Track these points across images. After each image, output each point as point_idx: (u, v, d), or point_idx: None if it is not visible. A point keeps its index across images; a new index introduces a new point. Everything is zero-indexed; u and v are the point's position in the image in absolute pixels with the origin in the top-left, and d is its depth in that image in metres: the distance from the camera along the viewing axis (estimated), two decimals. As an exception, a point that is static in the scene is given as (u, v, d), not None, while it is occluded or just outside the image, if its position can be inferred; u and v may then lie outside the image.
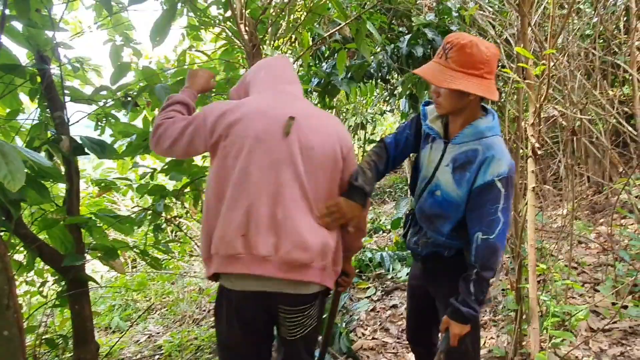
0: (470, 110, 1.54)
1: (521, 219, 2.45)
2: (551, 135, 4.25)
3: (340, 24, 2.60)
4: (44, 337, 2.17)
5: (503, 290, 3.27)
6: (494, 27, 3.20)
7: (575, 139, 3.84)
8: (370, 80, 3.80)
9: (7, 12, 1.74)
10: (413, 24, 3.18)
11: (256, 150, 1.41)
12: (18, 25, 2.05)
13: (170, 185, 2.93)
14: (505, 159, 1.49)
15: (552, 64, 2.18)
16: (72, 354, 2.17)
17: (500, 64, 3.27)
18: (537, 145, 2.26)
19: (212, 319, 3.97)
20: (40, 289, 2.19)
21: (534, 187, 2.29)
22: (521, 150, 2.58)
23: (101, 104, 2.34)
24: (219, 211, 1.42)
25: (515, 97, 2.81)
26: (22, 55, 1.95)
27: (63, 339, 2.20)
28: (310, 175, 1.45)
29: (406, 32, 3.49)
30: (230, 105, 1.49)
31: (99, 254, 2.22)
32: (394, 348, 3.00)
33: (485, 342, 2.84)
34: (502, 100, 3.30)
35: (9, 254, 1.76)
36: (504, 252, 1.50)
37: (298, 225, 1.41)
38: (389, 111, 6.51)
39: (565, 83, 2.90)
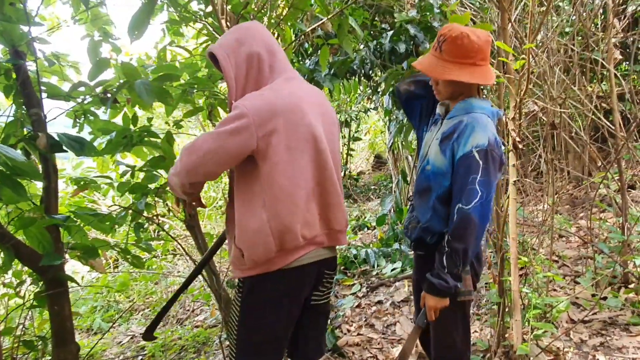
0: (466, 91, 1.66)
1: (503, 213, 2.47)
2: (532, 130, 4.31)
3: (322, 19, 2.59)
4: (21, 339, 2.11)
5: (486, 284, 3.30)
6: (475, 23, 3.22)
7: (555, 133, 3.89)
8: (354, 77, 3.80)
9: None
10: (395, 20, 3.18)
11: (316, 141, 1.50)
12: (-9, 20, 1.99)
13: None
14: (486, 131, 1.54)
15: (531, 59, 2.20)
16: (51, 355, 2.12)
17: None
18: (517, 139, 2.28)
19: (199, 319, 3.93)
20: (18, 290, 2.14)
21: (515, 181, 2.32)
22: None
23: (79, 100, 2.29)
24: (296, 204, 1.46)
25: (496, 92, 2.83)
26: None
27: (42, 340, 2.15)
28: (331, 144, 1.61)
29: (389, 28, 3.50)
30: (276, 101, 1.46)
31: (78, 254, 2.18)
32: (379, 344, 3.00)
33: (469, 336, 2.86)
34: (484, 95, 3.33)
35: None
36: (479, 230, 1.50)
37: (342, 198, 1.62)
38: (372, 109, 6.52)
39: (545, 78, 2.94)
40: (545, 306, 2.69)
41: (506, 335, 2.52)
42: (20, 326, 2.11)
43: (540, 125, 3.59)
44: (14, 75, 2.12)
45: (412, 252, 1.95)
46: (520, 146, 2.34)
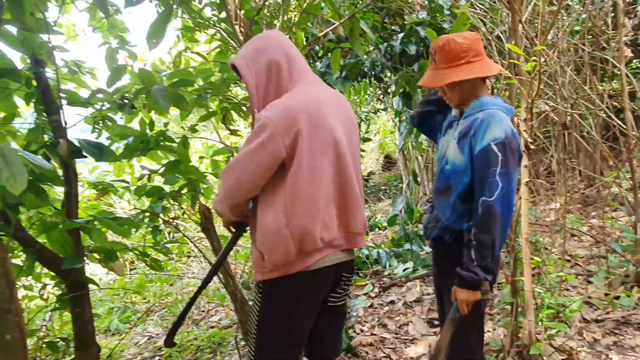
0: (475, 90, 1.70)
1: (515, 213, 2.49)
2: (543, 131, 4.30)
3: (334, 24, 2.62)
4: (44, 340, 2.17)
5: (499, 284, 3.31)
6: (485, 24, 3.24)
7: (566, 133, 3.89)
8: (364, 79, 3.83)
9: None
10: (406, 23, 3.20)
11: (337, 144, 1.52)
12: (12, 29, 2.05)
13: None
14: (502, 125, 1.58)
15: (542, 60, 2.21)
16: (73, 357, 2.18)
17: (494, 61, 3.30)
18: (529, 140, 2.30)
19: (215, 320, 3.98)
20: (41, 292, 2.19)
21: (527, 182, 2.33)
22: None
23: (98, 106, 2.34)
24: (316, 207, 1.47)
25: (507, 93, 2.84)
26: (15, 59, 1.96)
27: (64, 342, 2.20)
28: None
29: (399, 30, 3.52)
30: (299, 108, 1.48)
31: (99, 257, 2.23)
32: (392, 343, 3.03)
33: (482, 336, 2.88)
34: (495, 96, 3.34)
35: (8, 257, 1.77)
36: (503, 221, 1.53)
37: (361, 201, 1.63)
38: (382, 109, 6.54)
39: (556, 78, 2.94)
40: (558, 306, 2.70)
41: (519, 335, 2.53)
42: (43, 328, 2.16)
43: (552, 125, 3.59)
44: (34, 83, 2.17)
45: (430, 250, 2.02)
46: (532, 147, 2.35)
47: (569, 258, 3.61)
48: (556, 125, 3.37)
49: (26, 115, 2.43)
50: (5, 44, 2.04)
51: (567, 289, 3.19)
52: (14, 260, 2.20)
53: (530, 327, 2.35)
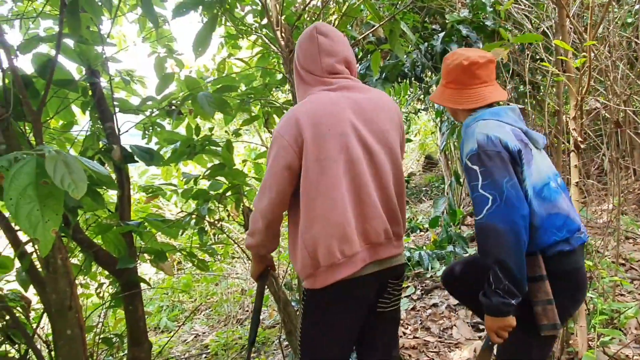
0: (456, 115, 1.70)
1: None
2: (594, 129, 4.12)
3: (373, 26, 2.62)
4: (100, 336, 2.29)
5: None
6: (530, 20, 3.14)
7: (619, 131, 3.71)
8: (404, 80, 3.80)
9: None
10: (447, 21, 3.16)
11: (348, 151, 1.50)
12: (70, 42, 2.17)
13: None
14: (473, 136, 1.48)
15: (592, 55, 2.13)
16: (126, 352, 2.28)
17: (539, 57, 3.21)
18: (579, 139, 2.22)
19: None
20: (98, 291, 2.31)
21: (577, 182, 2.25)
22: (563, 145, 2.53)
23: (147, 113, 2.45)
24: (327, 219, 1.45)
25: (555, 90, 2.75)
26: (71, 70, 2.08)
27: (119, 338, 2.32)
28: None
29: (440, 29, 3.48)
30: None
31: (149, 257, 2.33)
32: (435, 347, 2.99)
33: (530, 341, 2.79)
34: (541, 94, 3.23)
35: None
36: (506, 236, 1.35)
37: (378, 208, 1.54)
38: (423, 109, 6.46)
39: (607, 74, 2.81)
40: (612, 312, 2.58)
41: (570, 342, 2.44)
42: (100, 324, 2.27)
43: (603, 122, 3.44)
44: (90, 93, 2.30)
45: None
46: (582, 146, 2.27)
47: (623, 262, 3.44)
48: (608, 123, 3.23)
49: (82, 123, 2.57)
50: (64, 56, 2.17)
51: (622, 294, 3.04)
52: (72, 260, 2.33)
53: (582, 334, 2.26)
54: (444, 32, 3.26)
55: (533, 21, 3.13)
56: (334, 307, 1.54)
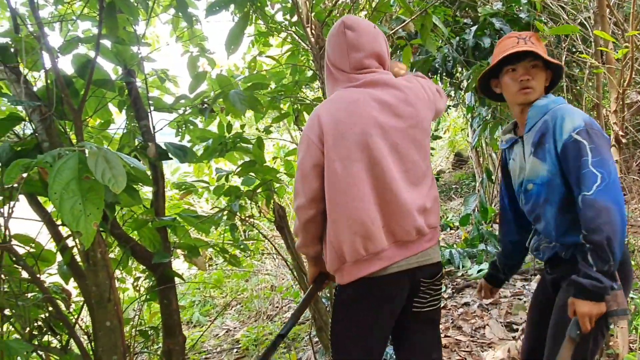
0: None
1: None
2: (635, 122, 3.96)
3: (404, 21, 2.60)
4: (137, 328, 2.35)
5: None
6: (566, 11, 3.05)
7: (662, 125, 3.56)
8: (435, 75, 3.75)
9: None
10: (479, 15, 3.09)
11: (369, 149, 1.50)
12: (107, 43, 2.24)
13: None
14: (577, 113, 1.45)
15: (635, 46, 2.05)
16: (161, 344, 2.34)
17: (576, 50, 3.11)
18: (620, 133, 2.14)
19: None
20: (135, 284, 2.38)
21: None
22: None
23: (181, 111, 2.50)
24: (349, 216, 1.46)
25: (593, 83, 2.66)
26: (108, 70, 2.15)
27: (154, 331, 2.37)
28: None
29: (472, 23, 3.41)
30: None
31: (183, 252, 2.37)
32: (467, 346, 2.94)
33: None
34: (579, 87, 3.13)
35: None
36: (614, 215, 1.30)
37: (405, 205, 1.53)
38: (453, 106, 6.35)
39: (650, 66, 2.70)
40: (655, 313, 2.49)
41: (610, 344, 2.36)
42: (136, 317, 2.34)
43: (645, 116, 3.30)
44: (126, 92, 2.36)
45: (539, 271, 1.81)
46: (623, 140, 2.19)
47: (666, 261, 3.30)
48: (650, 117, 3.10)
49: (118, 122, 2.64)
50: (102, 57, 2.24)
51: (665, 295, 2.91)
52: (110, 255, 2.40)
53: (623, 336, 2.18)
54: (476, 26, 3.19)
55: (569, 12, 3.03)
56: (360, 304, 1.53)
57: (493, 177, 5.56)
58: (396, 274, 1.51)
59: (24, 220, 1.97)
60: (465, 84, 3.95)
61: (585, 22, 2.91)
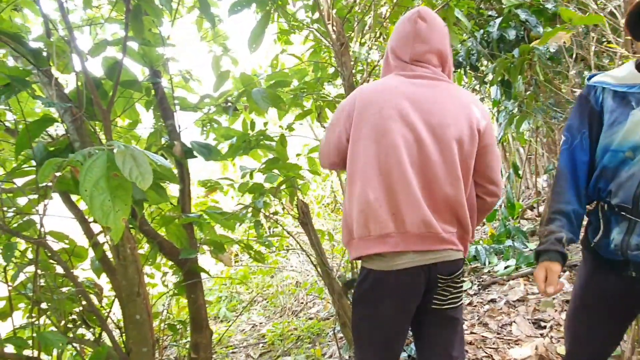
0: None
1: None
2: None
3: (426, 15, 2.57)
4: (165, 322, 2.42)
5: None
6: (595, 1, 2.96)
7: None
8: (458, 70, 3.70)
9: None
10: (503, 6, 3.04)
11: (385, 134, 1.55)
12: (134, 45, 2.30)
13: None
14: None
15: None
16: (189, 338, 2.40)
17: (605, 40, 3.02)
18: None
19: (313, 312, 4.13)
20: (163, 279, 2.44)
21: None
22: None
23: (205, 110, 2.54)
24: (354, 194, 1.53)
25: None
26: (135, 71, 2.21)
27: (182, 325, 2.44)
28: None
29: (496, 15, 3.35)
30: None
31: (209, 249, 2.42)
32: (494, 343, 2.91)
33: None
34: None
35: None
36: None
37: (416, 199, 1.56)
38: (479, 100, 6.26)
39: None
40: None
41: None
42: (164, 311, 2.40)
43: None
44: (152, 92, 2.42)
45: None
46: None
47: None
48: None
49: (144, 121, 2.71)
50: (129, 58, 2.30)
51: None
52: (139, 251, 2.47)
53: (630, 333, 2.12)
54: (500, 18, 3.13)
55: (599, 1, 2.95)
56: (374, 298, 1.55)
57: (520, 172, 5.45)
58: (411, 269, 1.50)
59: (58, 217, 2.06)
60: (490, 77, 3.89)
61: (615, 11, 2.82)
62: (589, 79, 1.44)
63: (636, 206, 1.28)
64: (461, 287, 1.65)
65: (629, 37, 2.13)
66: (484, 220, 5.40)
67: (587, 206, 1.48)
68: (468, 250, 1.70)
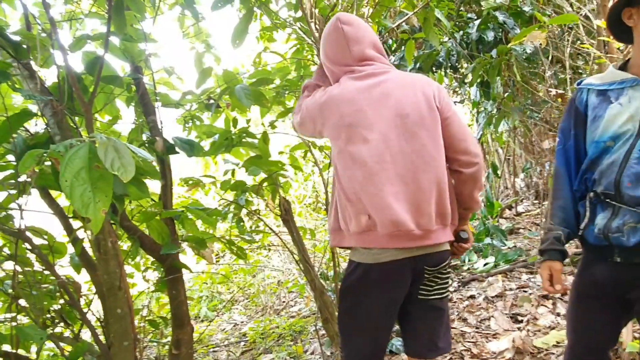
0: None
1: None
2: None
3: (407, 15, 2.62)
4: (147, 318, 2.40)
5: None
6: (570, 3, 3.06)
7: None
8: (439, 70, 3.77)
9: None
10: (482, 8, 3.11)
11: (351, 128, 1.59)
12: (115, 40, 2.28)
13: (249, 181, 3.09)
14: None
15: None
16: (169, 337, 2.39)
17: (580, 42, 3.12)
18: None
19: (294, 310, 4.14)
20: (144, 275, 2.43)
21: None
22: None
23: (187, 107, 2.54)
24: (368, 199, 1.52)
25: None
26: (116, 67, 2.18)
27: (163, 321, 2.43)
28: None
29: (475, 17, 3.43)
30: None
31: (191, 245, 2.42)
32: (472, 337, 2.97)
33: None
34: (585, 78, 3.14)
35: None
36: None
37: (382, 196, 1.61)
38: (459, 102, 6.36)
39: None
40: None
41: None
42: (145, 309, 2.39)
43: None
44: (133, 88, 2.41)
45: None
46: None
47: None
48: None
49: (125, 118, 2.69)
50: (110, 54, 2.28)
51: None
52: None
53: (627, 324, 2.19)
54: (479, 20, 3.21)
55: (574, 4, 3.04)
56: (361, 291, 1.58)
57: (499, 172, 5.56)
58: (397, 261, 1.52)
59: (36, 215, 2.03)
60: (469, 77, 3.97)
61: (589, 15, 2.92)
62: (578, 83, 1.52)
63: (618, 192, 1.34)
64: (448, 278, 1.66)
65: (602, 39, 2.22)
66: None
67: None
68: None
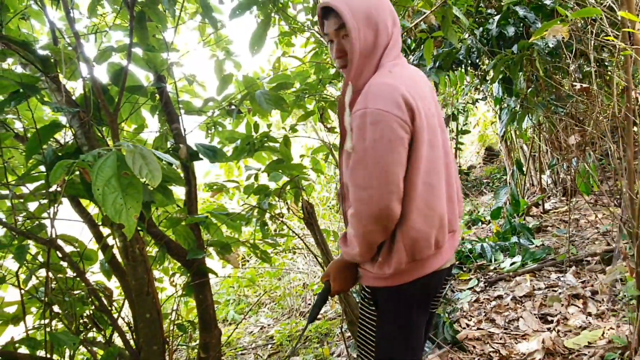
0: None
1: (638, 199, 2.27)
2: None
3: (425, 13, 2.61)
4: (175, 322, 2.45)
5: (621, 278, 3.02)
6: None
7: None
8: (459, 68, 3.72)
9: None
10: (502, 3, 3.07)
11: (435, 131, 1.37)
12: (138, 51, 2.34)
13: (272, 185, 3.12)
14: None
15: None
16: (198, 340, 2.43)
17: (604, 33, 3.04)
18: (652, 115, 2.09)
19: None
20: (171, 280, 2.48)
21: (651, 162, 2.11)
22: (635, 127, 2.39)
23: (210, 114, 2.58)
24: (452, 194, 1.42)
25: (624, 66, 2.59)
26: (140, 77, 2.25)
27: (191, 325, 2.47)
28: None
29: (495, 13, 3.38)
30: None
31: (216, 249, 2.46)
32: (501, 338, 2.91)
33: (604, 333, 2.66)
34: (609, 71, 3.06)
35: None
36: None
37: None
38: (481, 99, 6.28)
39: (683, 46, 2.61)
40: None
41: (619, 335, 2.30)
42: (173, 313, 2.43)
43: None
44: (157, 97, 2.46)
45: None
46: (655, 123, 2.13)
47: None
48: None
49: (150, 126, 2.76)
50: (134, 64, 2.35)
51: None
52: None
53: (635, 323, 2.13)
54: (499, 15, 3.16)
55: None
56: (413, 304, 1.44)
57: (524, 169, 5.46)
58: (441, 271, 1.45)
59: (67, 224, 2.10)
60: (491, 74, 3.91)
61: (613, 5, 2.84)
62: None
63: None
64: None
65: (627, 30, 2.15)
66: (490, 218, 5.41)
67: None
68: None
